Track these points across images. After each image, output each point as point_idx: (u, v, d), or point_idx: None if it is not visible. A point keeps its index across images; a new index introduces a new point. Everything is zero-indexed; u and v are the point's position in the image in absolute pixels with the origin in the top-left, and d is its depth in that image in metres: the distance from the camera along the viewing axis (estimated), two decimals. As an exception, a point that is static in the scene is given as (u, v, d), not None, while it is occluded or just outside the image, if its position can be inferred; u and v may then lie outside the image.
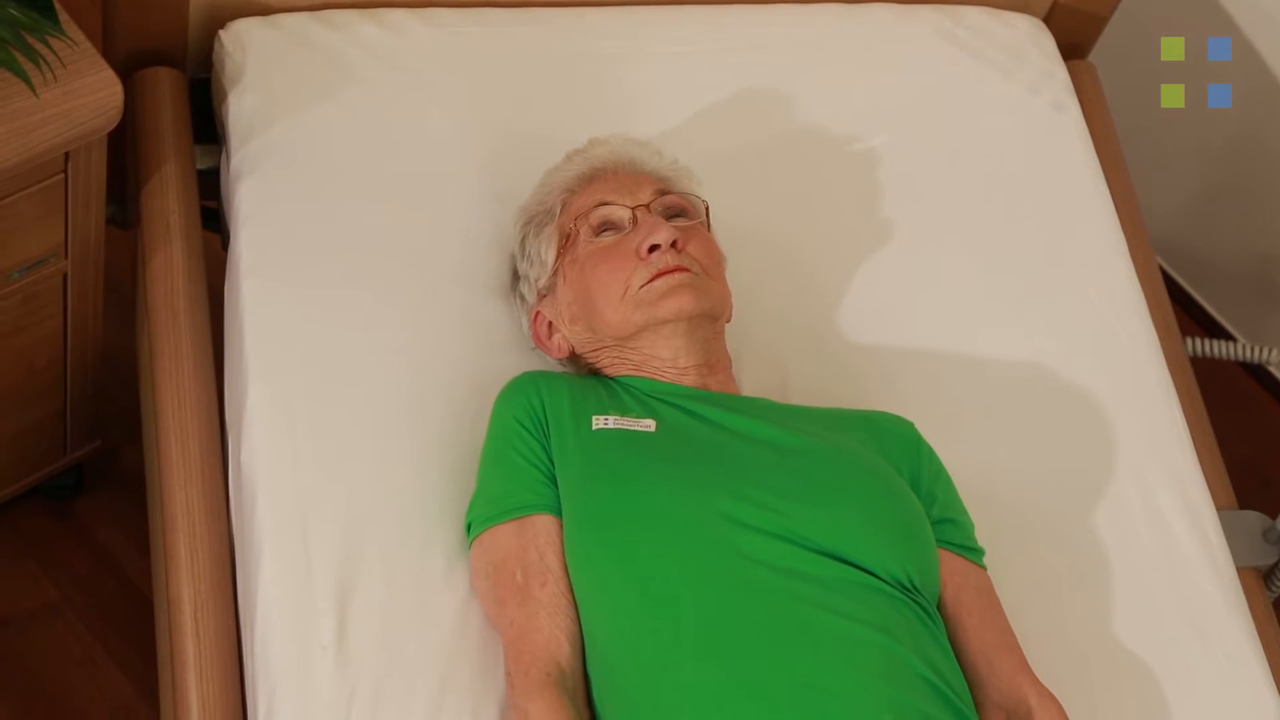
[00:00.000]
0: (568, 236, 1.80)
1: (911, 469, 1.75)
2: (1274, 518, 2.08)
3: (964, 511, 1.77)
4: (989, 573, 1.75)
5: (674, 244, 1.74)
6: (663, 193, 1.80)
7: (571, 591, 1.64)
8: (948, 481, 1.78)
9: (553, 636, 1.61)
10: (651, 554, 1.61)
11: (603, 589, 1.62)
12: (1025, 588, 1.80)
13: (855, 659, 1.56)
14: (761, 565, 1.60)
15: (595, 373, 1.81)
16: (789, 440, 1.71)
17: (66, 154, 1.78)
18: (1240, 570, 1.96)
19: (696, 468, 1.66)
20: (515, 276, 1.87)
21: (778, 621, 1.57)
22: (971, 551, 1.74)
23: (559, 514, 1.67)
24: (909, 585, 1.63)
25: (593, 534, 1.64)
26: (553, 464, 1.69)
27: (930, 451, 1.78)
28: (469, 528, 1.70)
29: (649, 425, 1.70)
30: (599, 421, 1.70)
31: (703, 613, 1.58)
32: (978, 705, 1.65)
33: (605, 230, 1.78)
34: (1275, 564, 2.08)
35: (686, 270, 1.73)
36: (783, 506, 1.63)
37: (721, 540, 1.61)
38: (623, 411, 1.72)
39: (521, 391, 1.74)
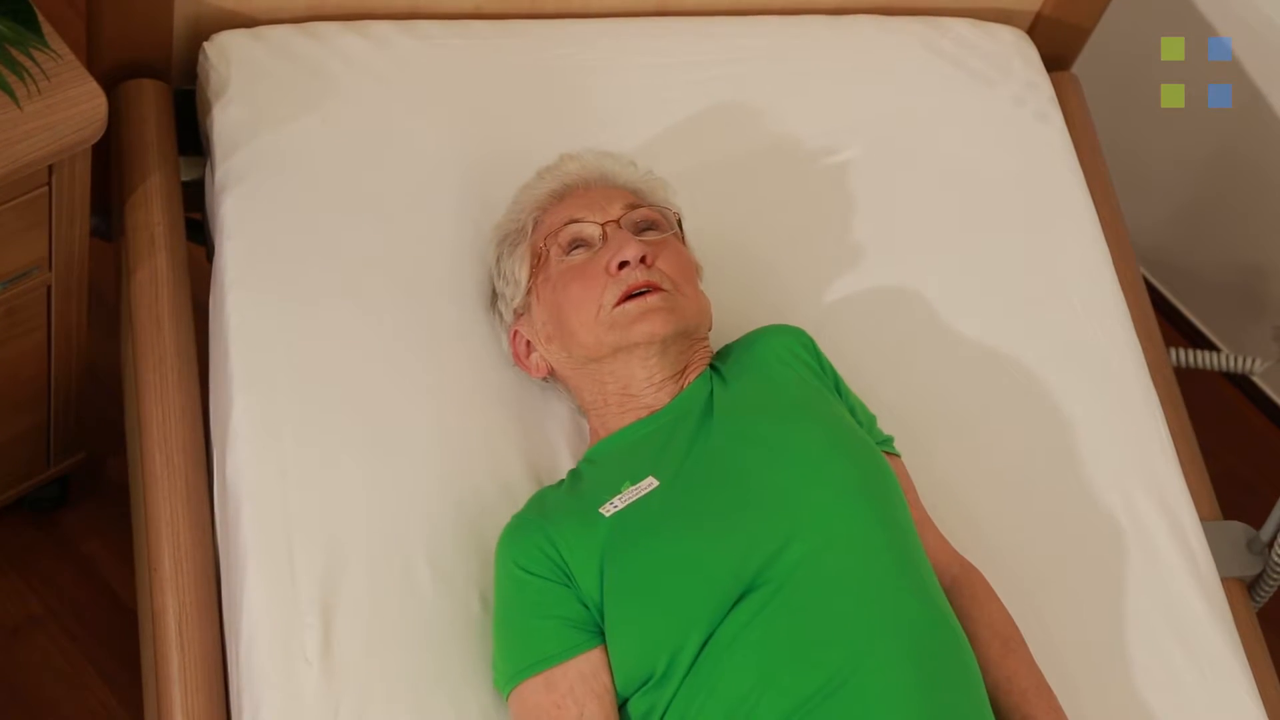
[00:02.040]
0: (540, 256, 1.79)
1: (823, 378, 1.79)
2: (1258, 528, 2.09)
3: (864, 407, 1.83)
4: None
5: (643, 259, 1.73)
6: (633, 206, 1.79)
7: None
8: (844, 383, 1.83)
9: None
10: (693, 597, 1.59)
11: (651, 646, 1.60)
12: (1009, 598, 1.80)
13: (886, 651, 1.57)
14: (788, 573, 1.60)
15: (575, 394, 1.81)
16: (767, 433, 1.70)
17: (50, 166, 1.77)
18: (1224, 580, 1.97)
19: (709, 501, 1.65)
20: (494, 294, 1.87)
21: (811, 625, 1.58)
22: (885, 443, 1.80)
23: (592, 645, 1.62)
24: (907, 538, 1.66)
25: (625, 607, 1.61)
26: (582, 602, 1.62)
27: (826, 358, 1.83)
28: (501, 688, 1.66)
29: (652, 484, 1.68)
30: (608, 510, 1.66)
31: (743, 629, 1.57)
32: None
33: (576, 248, 1.77)
34: (1259, 574, 2.08)
35: (657, 287, 1.73)
36: (791, 511, 1.63)
37: (749, 560, 1.60)
38: (619, 488, 1.68)
39: (522, 533, 1.66)
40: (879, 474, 1.70)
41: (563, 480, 1.75)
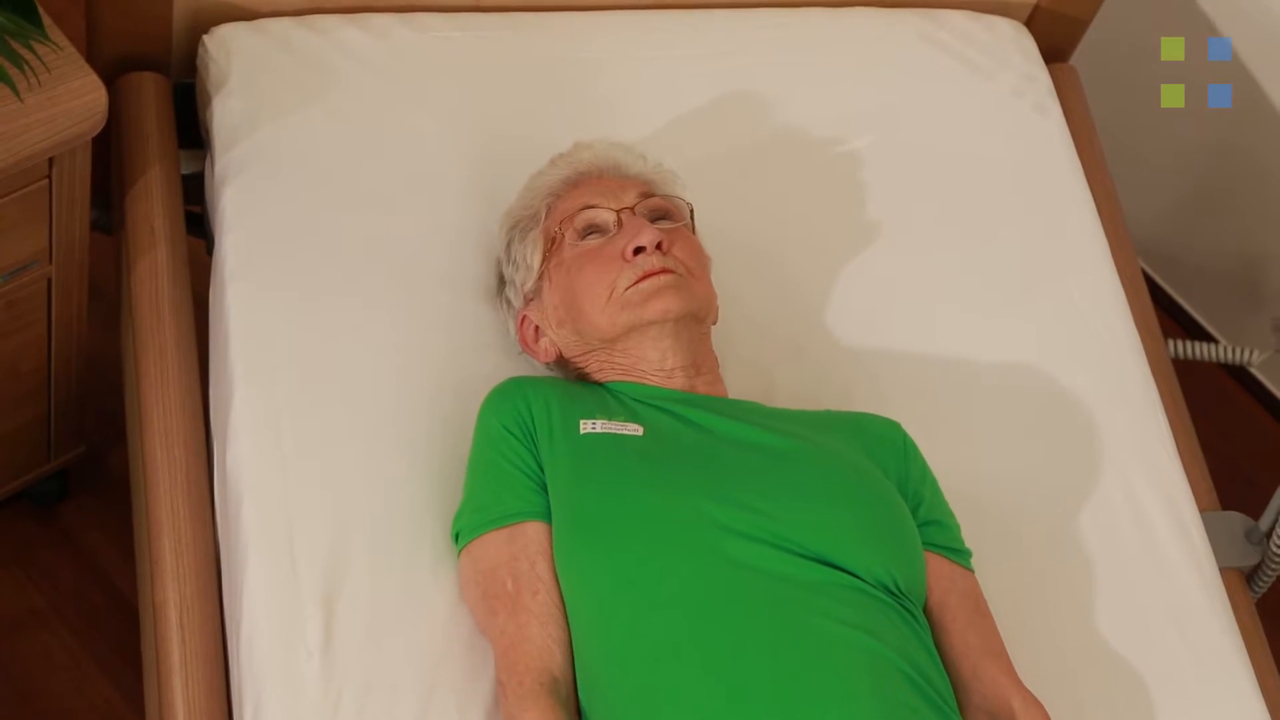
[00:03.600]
0: (553, 240, 1.80)
1: (898, 470, 1.76)
2: (1256, 518, 2.09)
3: (950, 514, 1.77)
4: (976, 574, 1.75)
5: (659, 246, 1.74)
6: (647, 195, 1.80)
7: (563, 599, 1.64)
8: (934, 483, 1.78)
9: (545, 645, 1.61)
10: (639, 558, 1.61)
11: (590, 593, 1.62)
12: (1010, 589, 1.80)
13: (842, 662, 1.56)
14: (748, 569, 1.60)
15: (583, 377, 1.81)
16: (776, 443, 1.71)
17: (51, 159, 1.77)
18: (1223, 571, 1.97)
19: (684, 472, 1.67)
20: (501, 281, 1.88)
21: (765, 626, 1.57)
22: (958, 554, 1.74)
23: (548, 520, 1.67)
24: (894, 588, 1.64)
25: (581, 538, 1.64)
26: (541, 470, 1.69)
27: (917, 452, 1.79)
28: (456, 536, 1.70)
29: (636, 430, 1.70)
30: (586, 426, 1.70)
31: (690, 617, 1.58)
32: (962, 709, 1.66)
33: (590, 233, 1.78)
34: (1258, 564, 2.08)
35: (671, 272, 1.74)
36: (770, 510, 1.63)
37: (709, 545, 1.61)
38: (610, 415, 1.72)
39: (507, 397, 1.73)
40: (882, 522, 1.67)
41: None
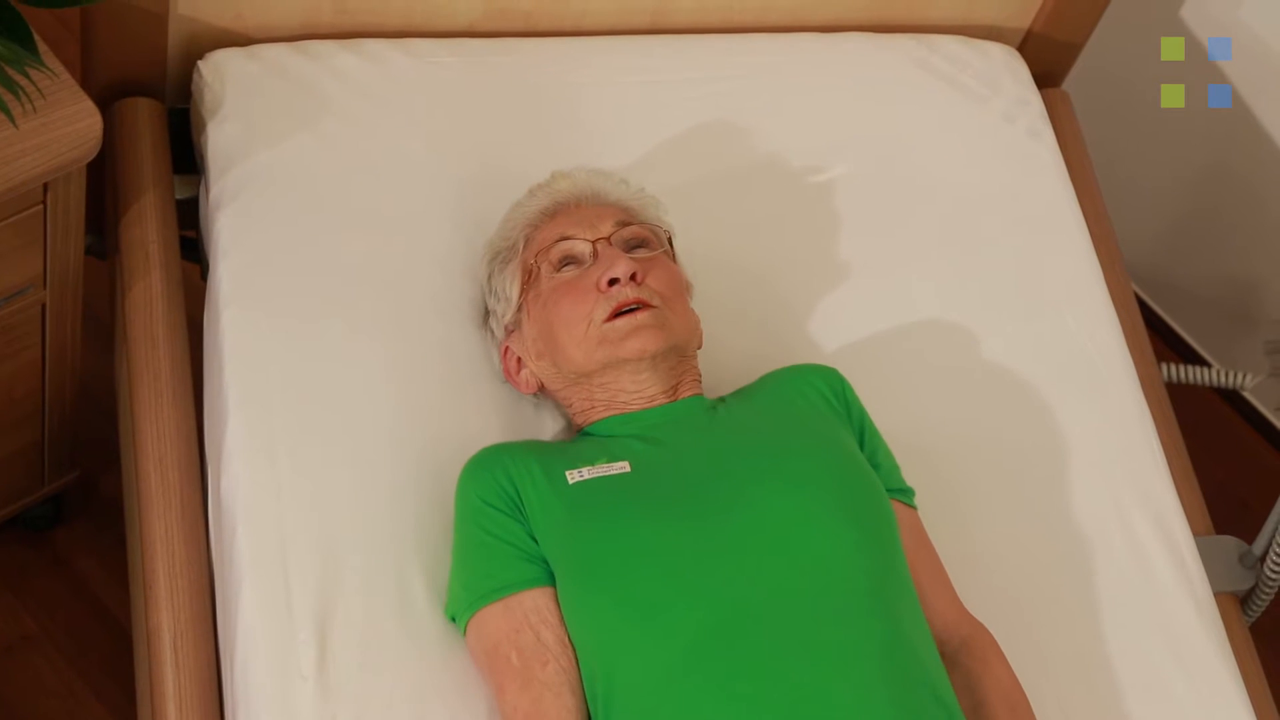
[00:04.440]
0: (530, 273, 1.80)
1: (844, 419, 1.78)
2: (1250, 542, 2.10)
3: (889, 453, 1.81)
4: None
5: (633, 276, 1.74)
6: (624, 224, 1.80)
7: (575, 665, 1.62)
8: (872, 425, 1.81)
9: (560, 717, 1.60)
10: (646, 587, 1.61)
11: (600, 630, 1.61)
12: (1001, 612, 1.80)
13: (856, 669, 1.57)
14: (753, 585, 1.60)
15: (565, 407, 1.82)
16: (760, 446, 1.71)
17: (46, 185, 1.78)
18: (1217, 595, 1.97)
19: (678, 498, 1.67)
20: (486, 311, 1.88)
21: (776, 639, 1.58)
22: (901, 493, 1.78)
23: (546, 584, 1.65)
24: (891, 570, 1.65)
25: (585, 579, 1.63)
26: (533, 537, 1.67)
27: (855, 397, 1.81)
28: (454, 618, 1.69)
29: (623, 467, 1.70)
30: (573, 476, 1.68)
31: (702, 638, 1.58)
32: None
33: (566, 265, 1.78)
34: (1252, 588, 2.08)
35: (647, 305, 1.73)
36: (765, 523, 1.64)
37: (712, 565, 1.61)
38: (593, 461, 1.70)
39: (484, 469, 1.71)
40: (869, 506, 1.69)
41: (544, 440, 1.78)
